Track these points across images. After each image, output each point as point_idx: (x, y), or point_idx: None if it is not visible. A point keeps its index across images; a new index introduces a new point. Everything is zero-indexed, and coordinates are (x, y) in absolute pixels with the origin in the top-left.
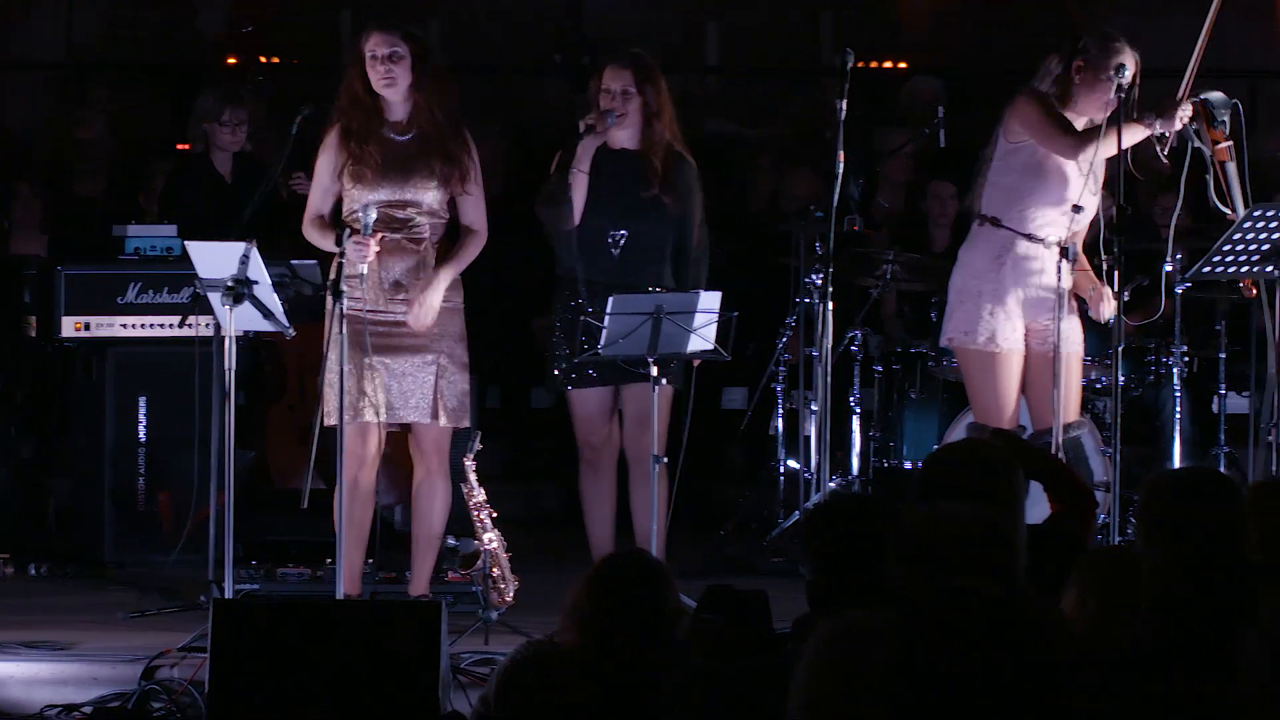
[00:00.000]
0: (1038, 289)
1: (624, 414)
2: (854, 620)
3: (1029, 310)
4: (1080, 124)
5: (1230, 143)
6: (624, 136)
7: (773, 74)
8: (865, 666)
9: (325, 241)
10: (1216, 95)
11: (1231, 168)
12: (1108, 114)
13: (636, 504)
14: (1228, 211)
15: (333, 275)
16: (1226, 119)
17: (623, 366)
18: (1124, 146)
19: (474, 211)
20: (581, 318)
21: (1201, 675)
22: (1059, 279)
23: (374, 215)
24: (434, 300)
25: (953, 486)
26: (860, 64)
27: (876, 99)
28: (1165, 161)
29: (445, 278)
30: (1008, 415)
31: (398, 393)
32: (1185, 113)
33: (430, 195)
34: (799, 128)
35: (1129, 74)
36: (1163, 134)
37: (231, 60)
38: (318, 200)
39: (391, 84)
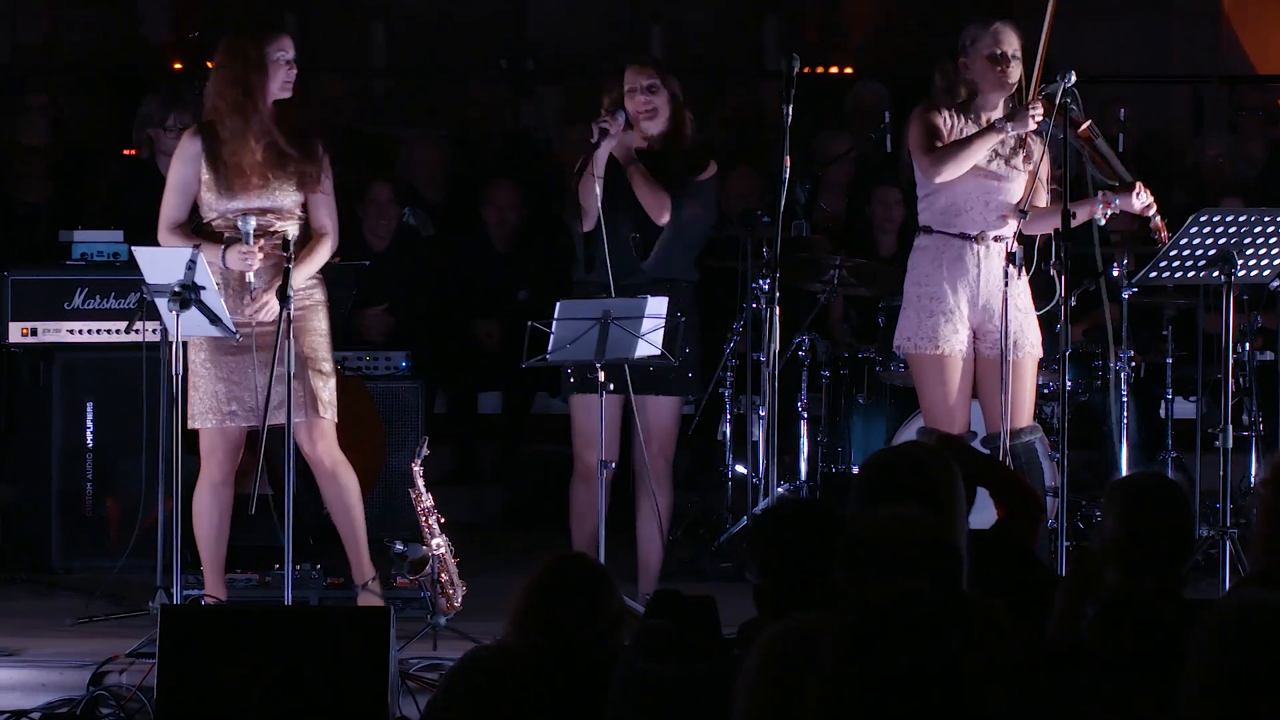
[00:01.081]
0: (984, 292)
1: (635, 426)
2: (798, 624)
3: (976, 314)
4: (990, 115)
5: (1089, 120)
6: (653, 134)
7: (717, 76)
8: (808, 670)
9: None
10: (1050, 86)
11: (1100, 142)
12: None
13: (641, 515)
14: (1114, 184)
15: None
16: (1069, 101)
17: (634, 377)
18: (979, 156)
19: (325, 212)
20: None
21: (1147, 675)
22: (1005, 283)
23: (254, 223)
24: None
25: (892, 490)
26: (805, 69)
27: (821, 104)
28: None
29: (297, 276)
30: (958, 419)
31: (260, 397)
32: (1036, 113)
33: (290, 199)
34: (734, 128)
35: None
36: (1084, 144)
37: (177, 65)
38: (175, 207)
39: (290, 86)
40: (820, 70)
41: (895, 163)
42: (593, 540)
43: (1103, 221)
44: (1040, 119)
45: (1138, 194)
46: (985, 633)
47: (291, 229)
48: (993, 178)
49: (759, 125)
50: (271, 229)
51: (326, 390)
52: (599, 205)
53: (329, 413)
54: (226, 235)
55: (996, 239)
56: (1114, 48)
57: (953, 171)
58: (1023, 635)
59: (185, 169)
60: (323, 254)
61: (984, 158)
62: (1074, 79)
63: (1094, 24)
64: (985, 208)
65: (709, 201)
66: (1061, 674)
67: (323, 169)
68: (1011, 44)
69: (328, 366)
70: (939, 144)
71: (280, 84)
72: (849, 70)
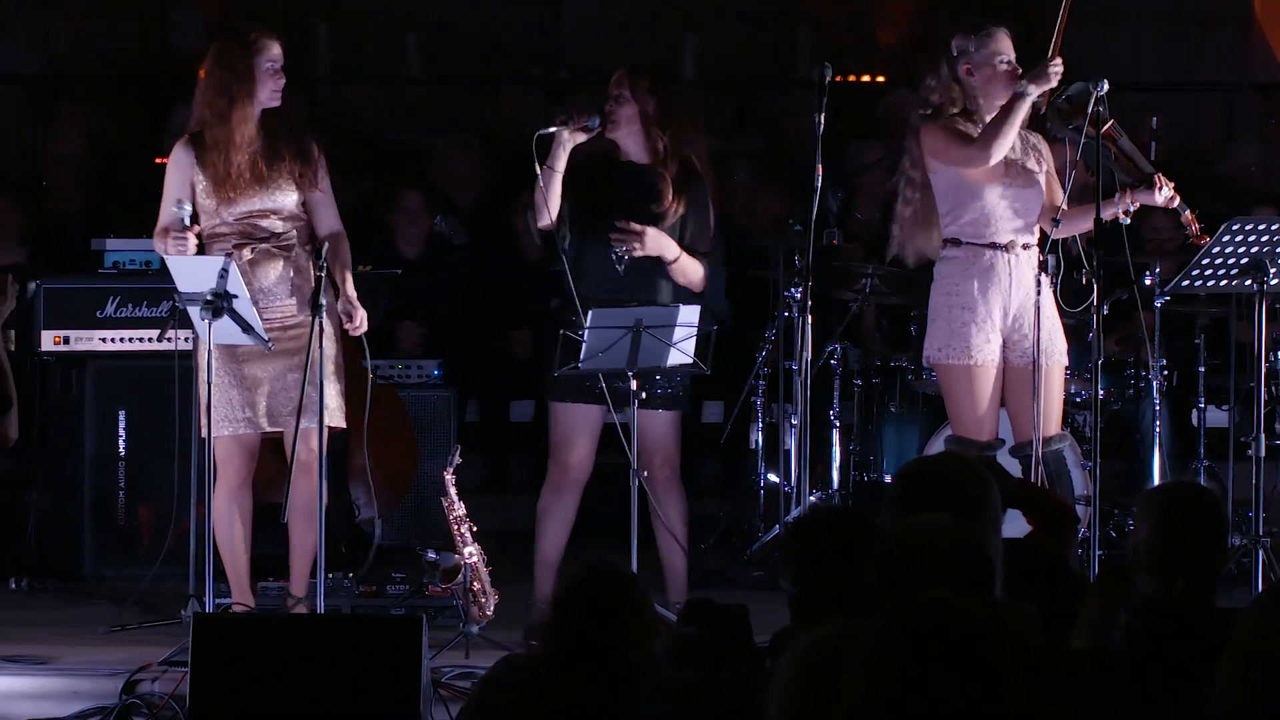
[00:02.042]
0: (1015, 301)
1: (637, 440)
2: (830, 633)
3: (1006, 322)
4: (990, 111)
5: (1112, 120)
6: (633, 148)
7: (750, 87)
8: (841, 679)
9: None
10: (1075, 86)
11: (1124, 141)
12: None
13: (659, 526)
14: (1134, 183)
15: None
16: (1091, 103)
17: (615, 391)
18: (1019, 125)
19: (329, 211)
20: (561, 331)
21: (1179, 683)
22: (1037, 291)
23: (188, 209)
24: (360, 307)
25: (925, 500)
26: (838, 78)
27: (853, 113)
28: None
29: (351, 286)
30: (987, 429)
31: (285, 400)
32: (1057, 68)
33: (290, 199)
34: (774, 140)
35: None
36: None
37: None
38: (170, 217)
39: (279, 95)
40: (852, 79)
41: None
42: (558, 554)
43: (1126, 221)
44: (1060, 71)
45: (1159, 188)
46: (1017, 640)
47: (292, 228)
48: (1015, 184)
49: (791, 134)
50: (277, 231)
51: (333, 398)
52: (559, 201)
53: (330, 420)
54: (234, 241)
55: (1025, 247)
56: (1142, 55)
57: (1003, 146)
58: (1055, 643)
59: (178, 178)
60: (347, 255)
61: (1001, 160)
62: (1106, 87)
63: (1122, 31)
64: (1013, 216)
65: (670, 232)
66: (1093, 681)
67: (319, 168)
68: (1009, 49)
69: (334, 375)
70: (971, 135)
71: (269, 92)
72: (881, 79)
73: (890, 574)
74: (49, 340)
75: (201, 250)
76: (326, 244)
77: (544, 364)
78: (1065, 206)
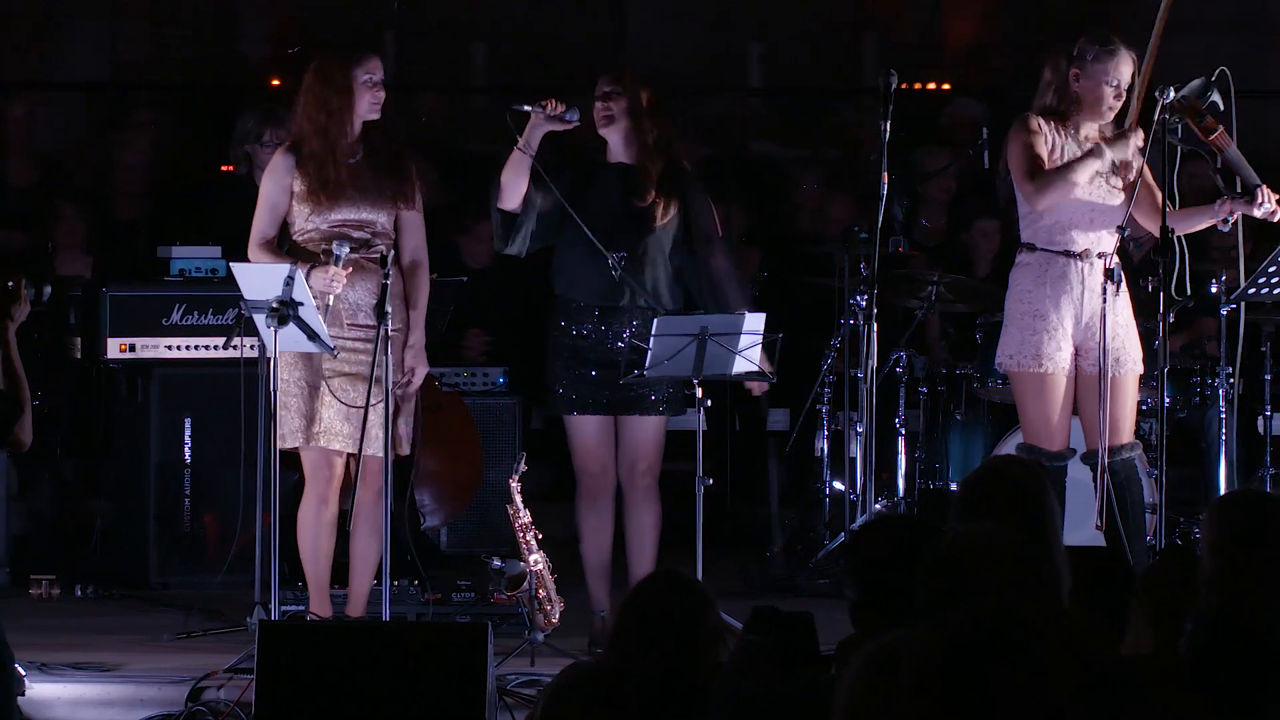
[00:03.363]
0: (1088, 309)
1: (621, 444)
2: (893, 641)
3: (1079, 330)
4: (1087, 130)
5: (1220, 128)
6: (618, 149)
7: (815, 95)
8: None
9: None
10: (1192, 85)
11: (1232, 151)
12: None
13: (630, 533)
14: (1236, 193)
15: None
16: (1207, 103)
17: (623, 396)
18: (1081, 182)
19: (416, 236)
20: (629, 337)
21: (1246, 694)
22: (1103, 298)
23: (347, 250)
24: (421, 369)
25: (984, 508)
26: (903, 85)
27: (919, 120)
28: (1219, 181)
29: (421, 331)
30: (1057, 437)
31: (356, 423)
32: (1138, 140)
33: (382, 215)
34: (843, 148)
35: (1122, 82)
36: (1214, 151)
37: (275, 82)
38: (267, 224)
39: (379, 108)
40: (918, 86)
41: (993, 179)
42: (606, 560)
43: (1225, 229)
44: (1141, 146)
45: (1261, 203)
46: (1080, 648)
47: (383, 244)
48: (1094, 194)
49: (859, 142)
50: (369, 244)
51: (405, 424)
52: (525, 186)
53: (402, 448)
54: (320, 252)
55: (1100, 255)
56: (1211, 63)
57: (1054, 200)
58: (1120, 653)
59: (276, 185)
60: (424, 292)
61: (1085, 178)
62: (1173, 95)
63: (1190, 38)
64: (1090, 225)
65: (656, 231)
66: (1158, 692)
67: (414, 186)
68: (1125, 76)
69: (406, 404)
70: (1040, 168)
71: (368, 106)
72: (946, 86)
73: (944, 582)
74: (115, 348)
75: (302, 256)
76: (392, 252)
77: (545, 374)
78: (1173, 207)
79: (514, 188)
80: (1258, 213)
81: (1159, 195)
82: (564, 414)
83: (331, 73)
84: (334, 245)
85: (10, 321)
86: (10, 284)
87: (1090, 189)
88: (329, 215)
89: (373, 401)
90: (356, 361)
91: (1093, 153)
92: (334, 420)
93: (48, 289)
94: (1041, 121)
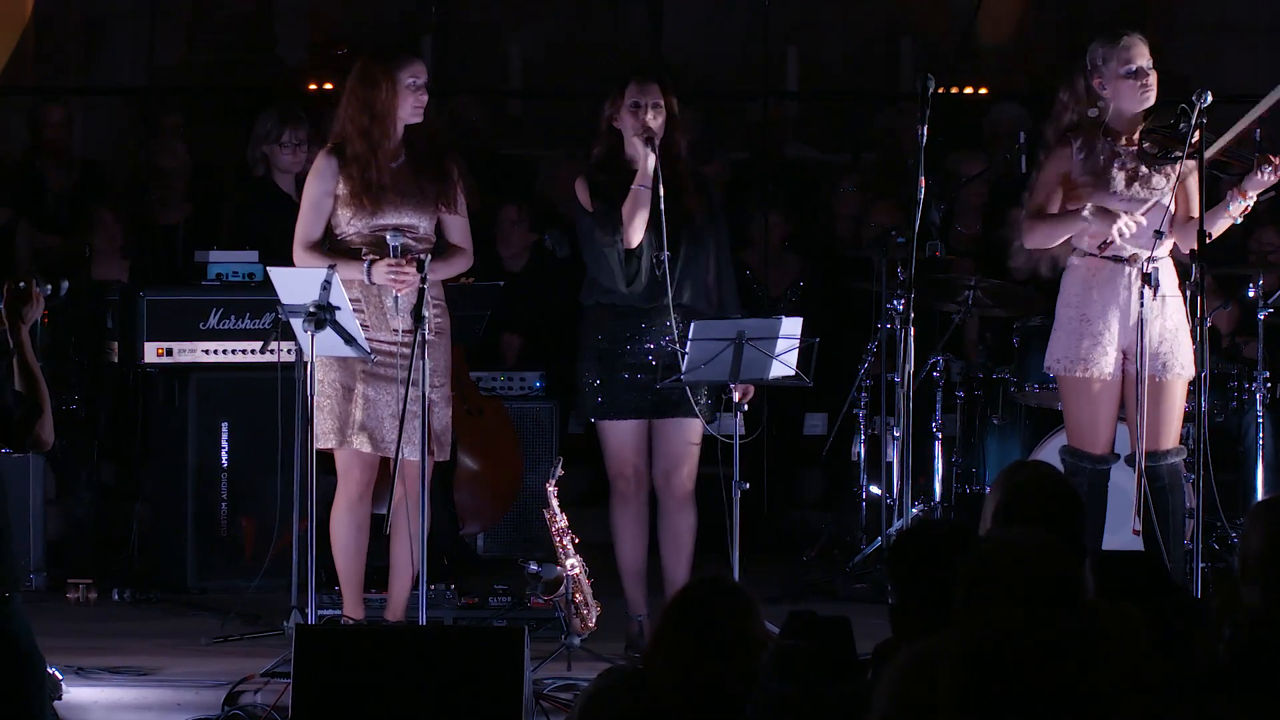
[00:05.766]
0: (1134, 313)
1: (656, 450)
2: (930, 645)
3: (1127, 335)
4: (1125, 123)
5: (1197, 132)
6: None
7: (852, 99)
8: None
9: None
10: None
11: (1209, 152)
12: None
13: (667, 539)
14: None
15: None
16: (1181, 125)
17: (656, 400)
18: (1067, 234)
19: (460, 233)
20: (666, 342)
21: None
22: (1141, 304)
23: (402, 240)
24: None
25: (1018, 512)
26: (941, 89)
27: (957, 125)
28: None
29: (434, 274)
30: (1101, 441)
31: (392, 426)
32: (1126, 227)
33: (425, 219)
34: (883, 152)
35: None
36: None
37: (312, 86)
38: (311, 226)
39: (421, 111)
40: (955, 91)
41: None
42: (642, 564)
43: (1238, 219)
44: (1134, 230)
45: (1258, 170)
46: (1116, 645)
47: (424, 247)
48: (1138, 203)
49: (898, 147)
50: (410, 248)
51: (442, 430)
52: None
53: (438, 454)
54: (365, 251)
55: (1150, 260)
56: (1252, 66)
57: (1035, 245)
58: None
59: (320, 187)
60: (455, 264)
61: (1122, 184)
62: (1210, 99)
63: (1232, 42)
64: (1138, 229)
65: (696, 237)
66: (1200, 696)
67: (457, 190)
68: (1144, 55)
69: (443, 408)
70: (1040, 209)
71: (410, 109)
72: (984, 91)
73: (973, 589)
74: (152, 352)
75: (357, 256)
76: (428, 258)
77: (578, 378)
78: (1196, 215)
79: (641, 223)
80: (1265, 179)
81: (1194, 205)
82: (598, 419)
83: (375, 75)
84: (389, 236)
85: (22, 322)
86: (21, 284)
87: (1128, 197)
88: (371, 220)
89: (410, 406)
90: (390, 366)
91: (1081, 218)
92: (367, 423)
93: (65, 284)
94: (1074, 137)
